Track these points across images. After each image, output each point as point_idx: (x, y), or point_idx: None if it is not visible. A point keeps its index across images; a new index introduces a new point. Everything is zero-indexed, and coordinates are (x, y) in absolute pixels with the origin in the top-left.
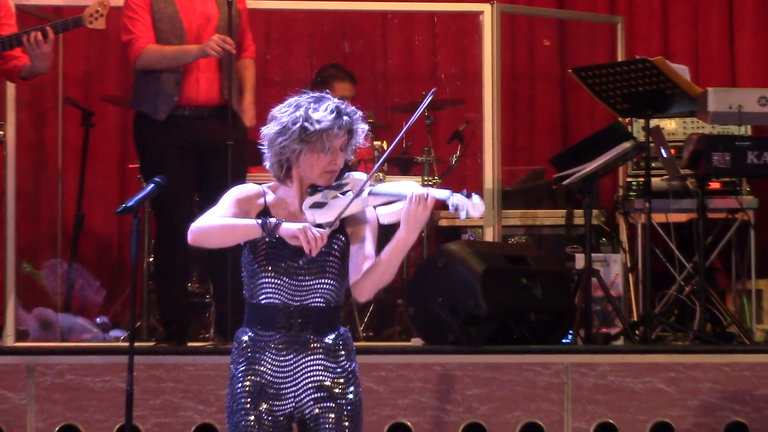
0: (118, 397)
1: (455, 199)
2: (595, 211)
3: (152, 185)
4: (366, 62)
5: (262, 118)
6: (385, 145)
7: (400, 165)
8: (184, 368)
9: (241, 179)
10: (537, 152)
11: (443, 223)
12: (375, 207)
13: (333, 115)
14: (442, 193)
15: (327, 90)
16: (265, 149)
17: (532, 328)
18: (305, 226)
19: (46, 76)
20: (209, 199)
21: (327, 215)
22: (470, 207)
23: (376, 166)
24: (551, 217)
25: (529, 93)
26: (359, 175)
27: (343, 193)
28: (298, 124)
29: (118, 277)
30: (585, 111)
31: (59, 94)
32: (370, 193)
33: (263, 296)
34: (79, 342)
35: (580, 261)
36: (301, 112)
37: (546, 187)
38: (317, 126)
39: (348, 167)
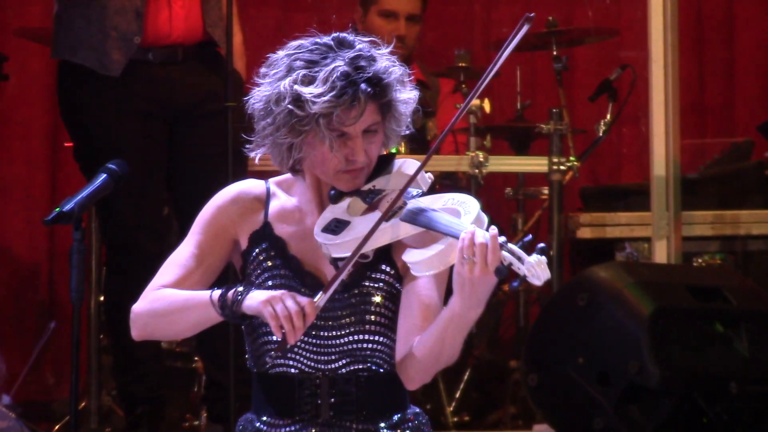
0: None
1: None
2: None
3: (104, 176)
4: None
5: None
6: (486, 104)
7: (514, 138)
8: None
9: (239, 167)
10: (739, 116)
11: (584, 233)
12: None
13: (336, 88)
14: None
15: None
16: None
17: (735, 406)
18: (275, 296)
19: None
20: (188, 198)
21: (343, 246)
22: (525, 270)
23: (429, 154)
24: (764, 222)
25: (725, 18)
26: (411, 168)
27: (377, 205)
28: (283, 106)
29: (48, 326)
30: None
31: None
32: (403, 217)
33: (271, 363)
34: None
35: None
36: (287, 83)
37: (755, 173)
38: (310, 109)
39: (424, 140)
